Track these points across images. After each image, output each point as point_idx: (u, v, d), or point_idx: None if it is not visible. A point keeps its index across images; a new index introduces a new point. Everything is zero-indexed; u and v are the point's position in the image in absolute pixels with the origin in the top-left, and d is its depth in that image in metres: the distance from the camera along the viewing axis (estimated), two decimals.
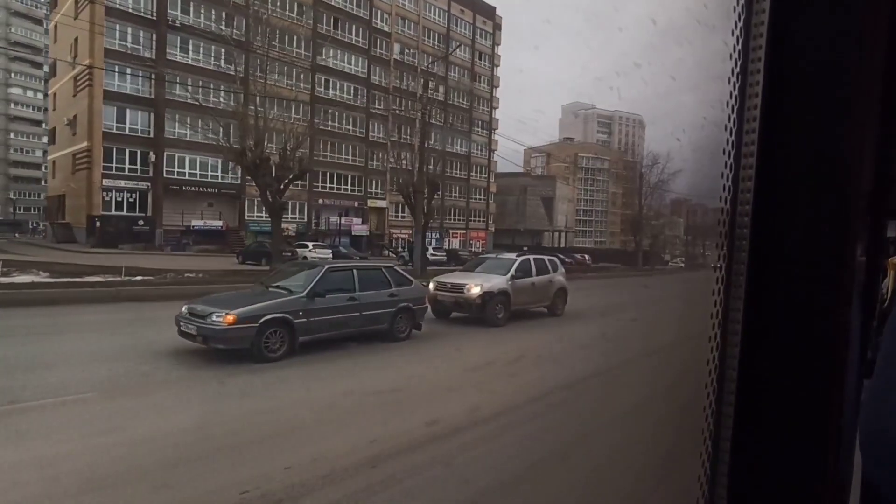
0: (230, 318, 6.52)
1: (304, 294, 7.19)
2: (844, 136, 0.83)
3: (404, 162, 23.81)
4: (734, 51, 0.92)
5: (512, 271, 11.18)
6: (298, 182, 41.99)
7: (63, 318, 9.61)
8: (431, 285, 11.02)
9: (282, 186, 16.73)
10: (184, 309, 6.98)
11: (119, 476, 3.72)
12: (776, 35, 0.86)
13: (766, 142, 0.87)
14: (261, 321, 6.68)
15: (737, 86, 0.91)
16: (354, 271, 7.99)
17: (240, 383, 6.16)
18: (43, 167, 60.95)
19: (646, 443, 3.55)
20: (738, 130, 0.91)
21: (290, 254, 26.44)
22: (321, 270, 7.60)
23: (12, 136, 68.72)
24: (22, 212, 62.23)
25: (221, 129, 17.49)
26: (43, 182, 57.80)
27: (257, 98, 17.22)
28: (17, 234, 46.09)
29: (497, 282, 10.73)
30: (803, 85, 0.85)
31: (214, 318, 6.54)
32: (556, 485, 3.82)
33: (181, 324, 6.86)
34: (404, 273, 8.91)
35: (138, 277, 17.28)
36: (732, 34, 0.91)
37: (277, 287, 7.68)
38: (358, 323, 7.76)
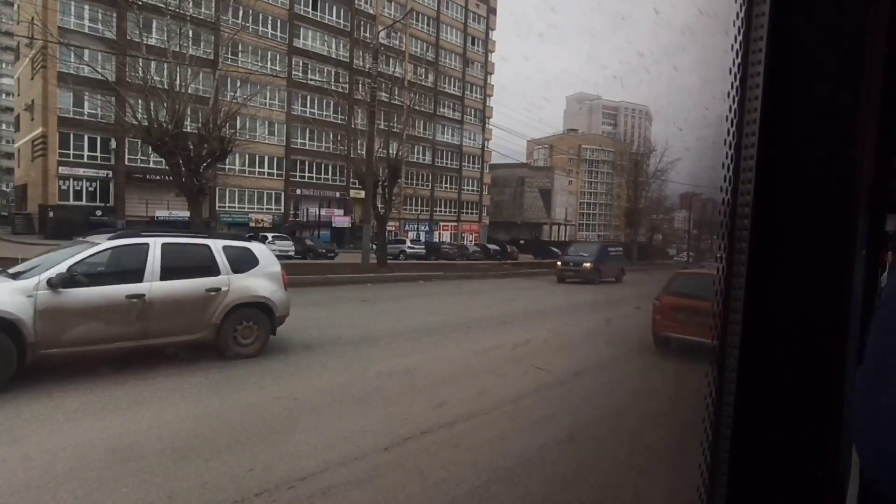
0: None
1: None
2: (845, 129, 0.83)
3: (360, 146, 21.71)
4: (735, 42, 0.91)
5: (60, 269, 5.18)
6: (275, 171, 40.27)
7: None
8: None
9: (200, 169, 14.70)
10: None
11: None
12: (778, 26, 0.85)
13: (767, 134, 0.87)
14: None
15: (738, 76, 0.91)
16: None
17: None
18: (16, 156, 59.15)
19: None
20: (739, 122, 0.91)
21: None
22: None
23: (4, 126, 67.57)
24: (7, 203, 61.10)
25: (140, 105, 15.47)
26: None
27: (177, 69, 15.15)
28: None
29: None
30: (804, 77, 0.85)
31: None
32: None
33: None
34: None
35: None
36: (734, 25, 0.91)
37: None
38: None
